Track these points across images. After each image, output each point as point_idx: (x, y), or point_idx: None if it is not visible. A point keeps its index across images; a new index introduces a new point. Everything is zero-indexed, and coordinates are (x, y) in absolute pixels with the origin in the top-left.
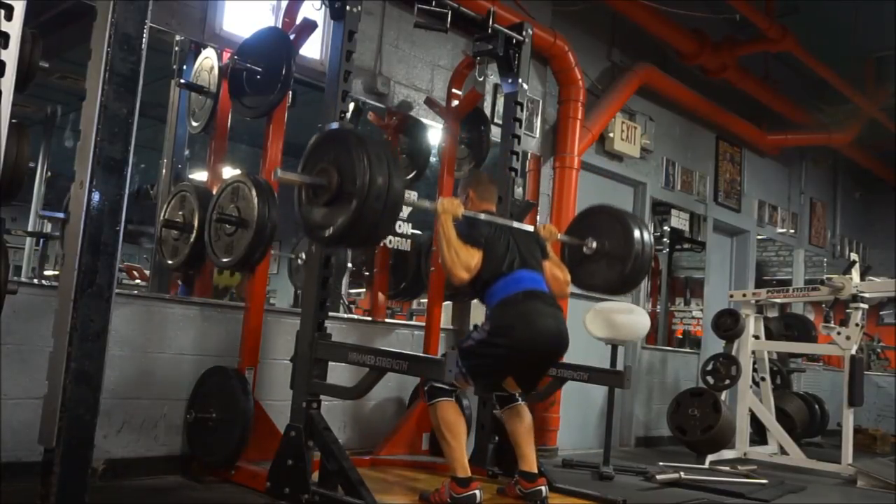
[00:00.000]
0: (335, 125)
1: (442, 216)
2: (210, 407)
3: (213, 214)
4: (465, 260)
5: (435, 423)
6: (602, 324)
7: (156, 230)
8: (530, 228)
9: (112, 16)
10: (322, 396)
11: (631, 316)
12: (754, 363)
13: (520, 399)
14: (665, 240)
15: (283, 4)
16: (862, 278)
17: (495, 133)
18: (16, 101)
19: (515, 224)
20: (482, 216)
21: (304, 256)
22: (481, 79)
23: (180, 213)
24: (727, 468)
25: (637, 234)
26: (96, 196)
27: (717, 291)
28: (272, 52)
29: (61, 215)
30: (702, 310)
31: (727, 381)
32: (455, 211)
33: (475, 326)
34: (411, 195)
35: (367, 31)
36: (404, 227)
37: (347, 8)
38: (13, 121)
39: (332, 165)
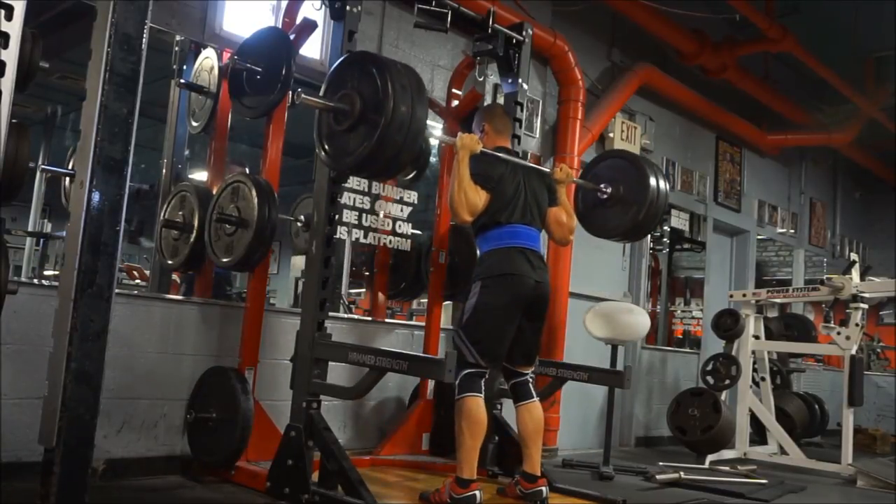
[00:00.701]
0: (353, 54)
1: (460, 152)
2: (210, 407)
3: (213, 214)
4: (473, 202)
5: (457, 418)
6: (602, 324)
7: (156, 230)
8: (545, 170)
9: (112, 16)
10: (322, 396)
11: (631, 316)
12: (754, 363)
13: (535, 397)
14: (665, 240)
15: (283, 4)
16: (862, 278)
17: None
18: (16, 101)
19: (531, 165)
20: (499, 155)
21: (303, 219)
22: (481, 79)
23: (180, 213)
24: (727, 468)
25: (652, 180)
26: (96, 196)
27: (717, 291)
28: (272, 52)
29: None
30: (702, 310)
31: (727, 381)
32: (473, 147)
33: (476, 237)
34: (437, 129)
35: (367, 31)
36: (404, 227)
37: (347, 8)
38: (13, 121)
39: (355, 91)
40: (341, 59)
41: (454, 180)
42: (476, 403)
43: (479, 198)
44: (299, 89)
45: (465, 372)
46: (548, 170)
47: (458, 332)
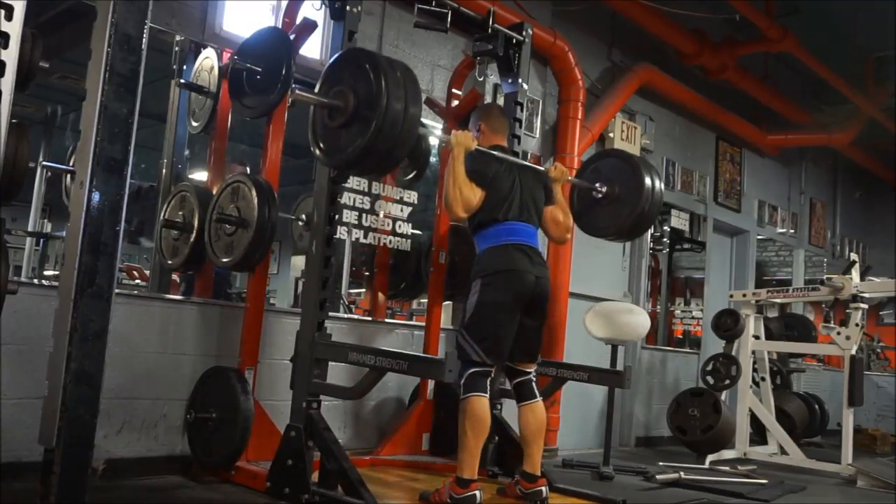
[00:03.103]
0: (353, 46)
1: (455, 149)
2: (210, 407)
3: (213, 214)
4: (467, 198)
5: (461, 418)
6: (602, 324)
7: (156, 230)
8: (540, 168)
9: (112, 16)
10: (322, 396)
11: (631, 316)
12: (754, 363)
13: (538, 397)
14: (665, 240)
15: (283, 4)
16: (862, 278)
17: None
18: (16, 101)
19: (527, 163)
20: (494, 153)
21: (304, 217)
22: (481, 79)
23: (180, 213)
24: (727, 468)
25: (647, 179)
26: (96, 196)
27: (717, 291)
28: (272, 52)
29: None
30: (702, 310)
31: (727, 381)
32: (468, 144)
33: (472, 234)
34: (429, 125)
35: (367, 31)
36: (404, 227)
37: (347, 8)
38: (13, 121)
39: (349, 87)
40: (336, 55)
41: (449, 176)
42: (481, 403)
43: (474, 194)
44: (294, 85)
45: (470, 371)
46: (543, 168)
47: (461, 332)
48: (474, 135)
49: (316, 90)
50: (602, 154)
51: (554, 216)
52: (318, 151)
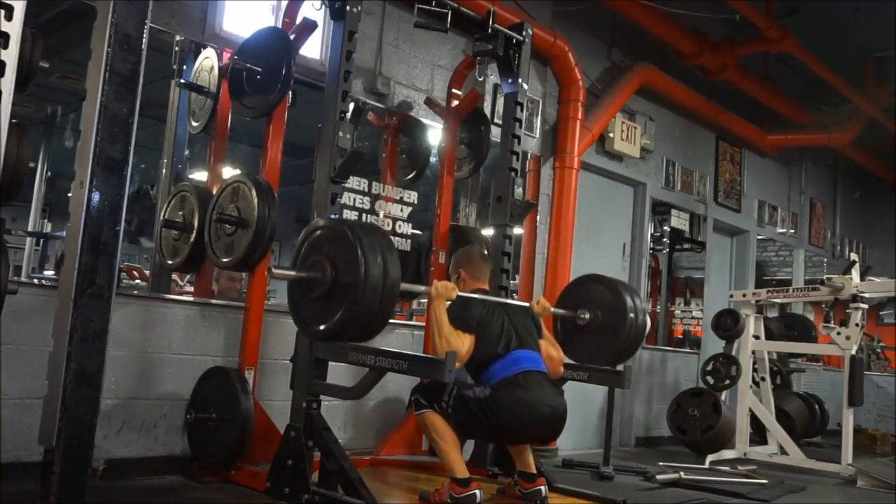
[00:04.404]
0: (329, 217)
1: (435, 300)
2: (210, 407)
3: (213, 214)
4: (456, 346)
5: (424, 430)
6: None
7: (155, 230)
8: (525, 305)
9: (112, 16)
10: (322, 396)
11: None
12: (754, 363)
13: None
14: (665, 240)
15: (283, 4)
16: (862, 278)
17: (495, 133)
18: (16, 101)
19: (510, 301)
20: (476, 297)
21: None
22: (481, 79)
23: (180, 213)
24: (727, 468)
25: (630, 302)
26: (96, 196)
27: (717, 291)
28: (272, 52)
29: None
30: (702, 310)
31: (727, 381)
32: (448, 294)
33: (478, 380)
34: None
35: (367, 31)
36: (404, 228)
37: (347, 8)
38: (13, 121)
39: (325, 258)
40: (307, 228)
41: (434, 329)
42: (436, 416)
43: (462, 342)
44: (271, 265)
45: (421, 401)
46: (528, 304)
47: (452, 394)
48: (454, 280)
49: (291, 264)
50: (579, 281)
51: (548, 353)
52: (298, 323)
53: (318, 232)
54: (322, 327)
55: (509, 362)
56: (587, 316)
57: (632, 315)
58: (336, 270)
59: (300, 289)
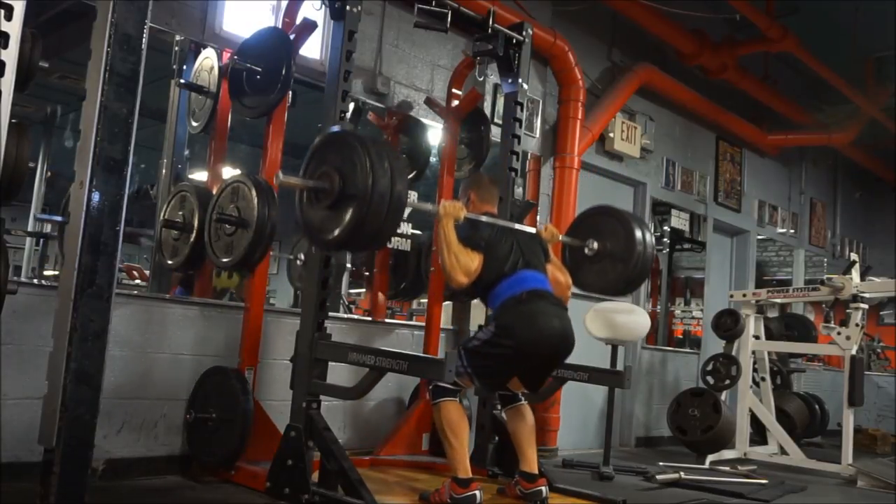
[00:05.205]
0: (336, 128)
1: (444, 219)
2: (210, 407)
3: (213, 214)
4: (465, 264)
5: (438, 423)
6: (602, 324)
7: (155, 230)
8: (532, 230)
9: (112, 16)
10: (322, 396)
11: (631, 316)
12: (754, 363)
13: (522, 399)
14: (665, 240)
15: (283, 4)
16: (862, 278)
17: (495, 133)
18: (16, 101)
19: (517, 226)
20: (484, 218)
21: (303, 257)
22: (481, 79)
23: (180, 213)
24: (727, 468)
25: (639, 234)
26: (96, 196)
27: (717, 291)
28: (272, 52)
29: (59, 219)
30: (702, 310)
31: (727, 381)
32: (457, 213)
33: (480, 327)
34: (413, 197)
35: (367, 31)
36: (404, 227)
37: (347, 8)
38: (13, 121)
39: (333, 168)
40: (316, 138)
41: (442, 246)
42: (453, 406)
43: (471, 259)
44: (279, 172)
45: (441, 385)
46: (534, 230)
47: (461, 355)
48: (463, 202)
49: (300, 172)
50: (590, 212)
51: (555, 277)
52: (306, 232)
53: (326, 142)
54: (331, 236)
55: (515, 281)
56: (596, 246)
57: (640, 247)
58: (343, 179)
59: (308, 198)
